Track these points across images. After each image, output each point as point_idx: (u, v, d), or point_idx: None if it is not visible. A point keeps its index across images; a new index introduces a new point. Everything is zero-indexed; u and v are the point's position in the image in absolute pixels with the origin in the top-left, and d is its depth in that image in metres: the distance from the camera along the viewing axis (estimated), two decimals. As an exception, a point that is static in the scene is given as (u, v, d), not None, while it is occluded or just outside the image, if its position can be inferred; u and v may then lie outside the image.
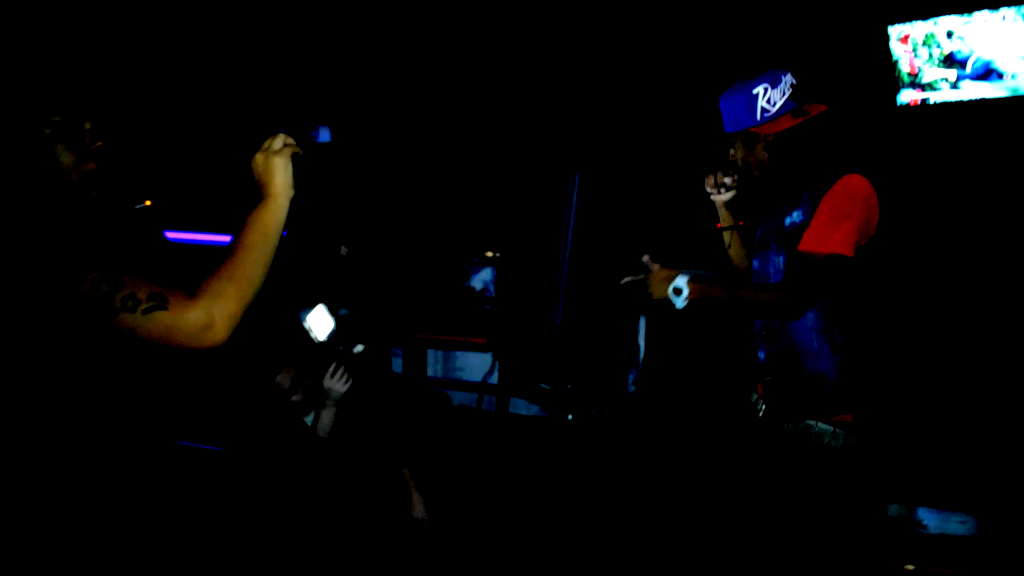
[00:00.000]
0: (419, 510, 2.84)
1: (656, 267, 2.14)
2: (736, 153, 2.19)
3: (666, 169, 4.01)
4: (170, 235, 4.41)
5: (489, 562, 2.94)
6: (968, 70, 3.71)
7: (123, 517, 1.46)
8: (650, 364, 3.85)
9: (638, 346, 3.81)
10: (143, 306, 1.29)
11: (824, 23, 4.22)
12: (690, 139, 4.14)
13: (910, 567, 1.36)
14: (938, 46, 3.76)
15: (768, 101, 2.08)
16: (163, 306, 1.30)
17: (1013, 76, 3.60)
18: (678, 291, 2.06)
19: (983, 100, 3.72)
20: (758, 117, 2.08)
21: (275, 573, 2.50)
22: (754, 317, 2.21)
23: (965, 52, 3.69)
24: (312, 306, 2.63)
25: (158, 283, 1.32)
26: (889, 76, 3.93)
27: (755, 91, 2.08)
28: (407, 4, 4.47)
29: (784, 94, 2.09)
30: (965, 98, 3.76)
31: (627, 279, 2.20)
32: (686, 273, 2.08)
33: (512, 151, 4.58)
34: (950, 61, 3.75)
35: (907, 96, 3.92)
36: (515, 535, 3.00)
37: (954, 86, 3.78)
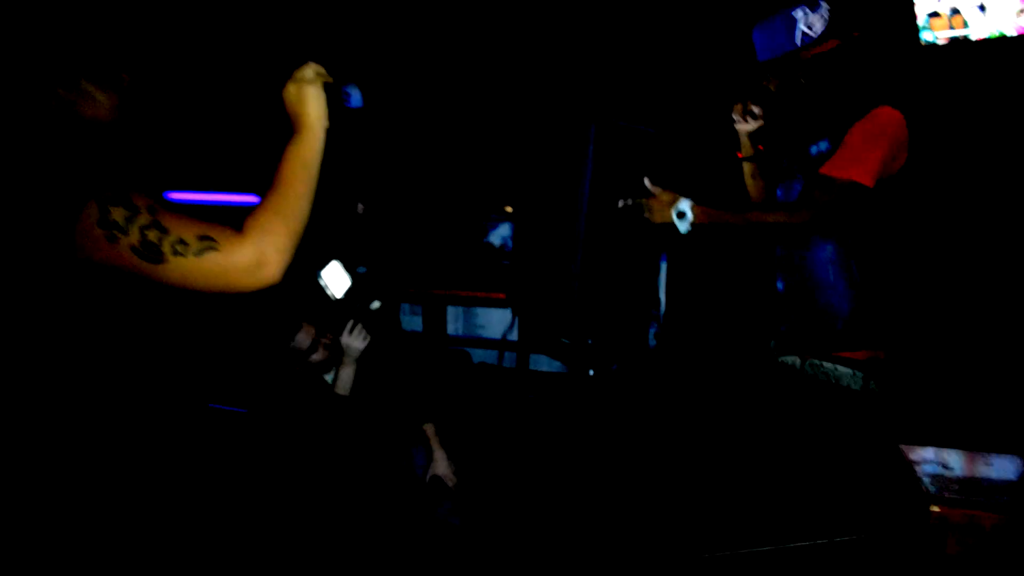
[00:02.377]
0: (442, 467, 2.85)
1: (658, 190, 2.10)
2: (771, 81, 2.14)
3: (683, 113, 3.93)
4: (171, 195, 4.33)
5: (512, 520, 2.94)
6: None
7: (151, 481, 1.46)
8: (671, 317, 3.82)
9: (659, 299, 3.77)
10: (193, 248, 1.21)
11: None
12: (704, 80, 4.05)
13: (936, 509, 1.32)
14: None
15: (808, 26, 2.03)
16: (214, 247, 1.22)
17: None
18: (681, 215, 2.03)
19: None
20: (798, 41, 2.04)
21: (299, 530, 2.53)
22: (764, 240, 2.19)
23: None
24: (326, 263, 2.62)
25: (203, 222, 1.24)
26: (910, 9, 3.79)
27: (795, 15, 2.04)
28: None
29: (824, 19, 2.04)
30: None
31: (624, 202, 2.15)
32: (688, 198, 2.05)
33: (527, 103, 4.51)
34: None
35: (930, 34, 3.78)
36: (538, 492, 3.00)
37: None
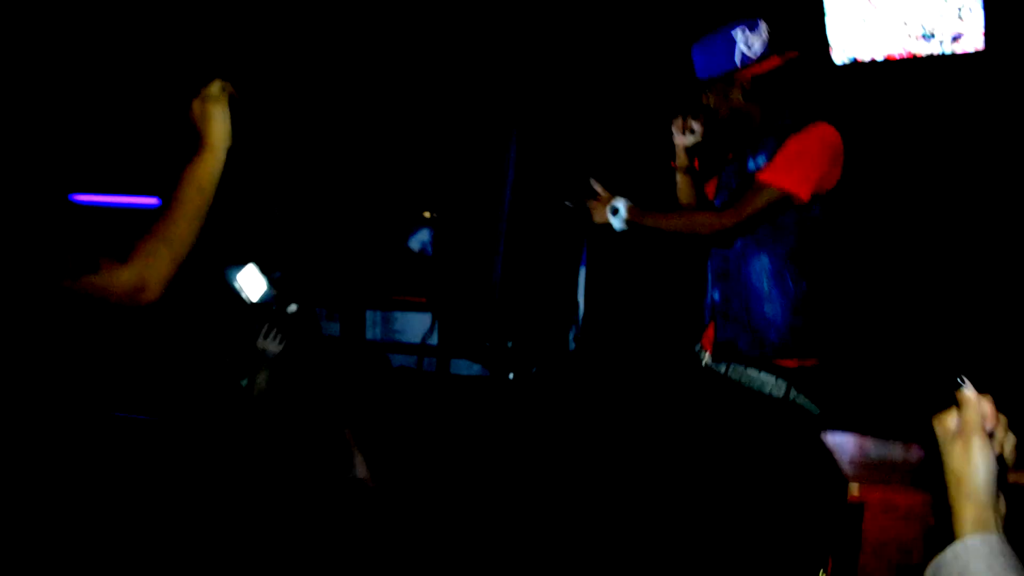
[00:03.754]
0: (362, 470, 2.81)
1: (601, 190, 2.23)
2: (710, 98, 2.19)
3: (607, 120, 3.99)
4: (79, 198, 4.16)
5: (433, 520, 2.93)
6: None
7: (58, 491, 1.41)
8: (590, 320, 3.87)
9: (577, 302, 3.82)
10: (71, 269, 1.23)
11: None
12: (633, 90, 4.13)
13: (854, 489, 1.38)
14: None
15: (748, 46, 2.09)
16: (92, 269, 1.25)
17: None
18: (615, 212, 2.12)
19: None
20: (738, 61, 2.10)
21: (217, 538, 2.45)
22: (690, 241, 2.25)
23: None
24: (242, 265, 2.56)
25: (86, 247, 1.26)
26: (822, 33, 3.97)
27: (734, 35, 2.10)
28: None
29: (762, 39, 2.11)
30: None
31: (571, 202, 2.25)
32: (624, 199, 2.17)
33: (451, 107, 4.50)
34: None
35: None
36: (457, 494, 3.00)
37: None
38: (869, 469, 1.54)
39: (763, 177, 2.01)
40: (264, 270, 2.69)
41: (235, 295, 2.60)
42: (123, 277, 1.27)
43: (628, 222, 2.16)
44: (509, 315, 3.16)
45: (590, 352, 3.79)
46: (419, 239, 4.34)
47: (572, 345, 3.71)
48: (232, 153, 1.46)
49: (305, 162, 4.64)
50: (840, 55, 3.98)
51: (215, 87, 1.45)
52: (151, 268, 1.29)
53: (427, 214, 4.35)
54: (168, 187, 1.39)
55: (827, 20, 3.94)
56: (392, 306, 4.27)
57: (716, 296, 2.23)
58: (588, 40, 4.31)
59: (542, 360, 3.29)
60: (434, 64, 4.58)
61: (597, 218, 2.22)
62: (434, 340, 3.62)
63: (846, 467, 1.51)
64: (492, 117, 4.17)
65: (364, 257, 4.41)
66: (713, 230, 2.07)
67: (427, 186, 4.48)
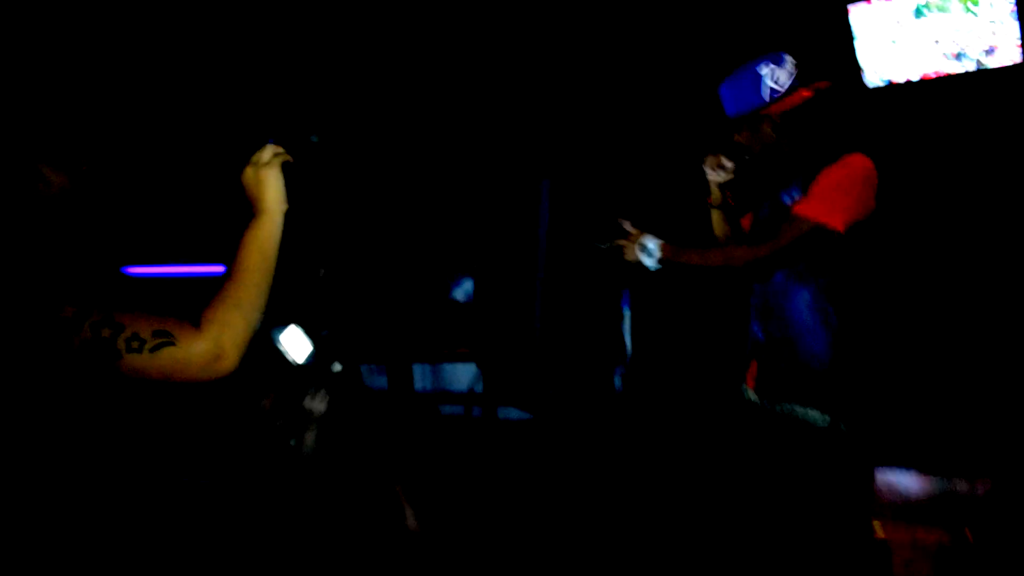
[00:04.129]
0: (412, 522, 2.84)
1: (633, 230, 2.21)
2: (741, 135, 2.20)
3: (640, 161, 4.02)
4: (131, 270, 4.30)
5: (486, 567, 2.94)
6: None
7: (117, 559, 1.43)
8: (638, 360, 3.86)
9: (624, 343, 3.81)
10: (149, 345, 1.22)
11: (782, 7, 4.25)
12: (661, 131, 4.15)
13: (879, 528, 1.36)
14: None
15: (775, 81, 2.10)
16: (171, 342, 1.23)
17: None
18: (645, 249, 2.11)
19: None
20: (766, 97, 2.10)
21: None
22: (731, 275, 2.22)
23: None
24: (285, 325, 2.63)
25: (158, 317, 1.25)
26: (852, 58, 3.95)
27: (760, 71, 2.10)
28: (373, 16, 4.47)
29: (791, 74, 2.11)
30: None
31: (605, 244, 2.24)
32: (656, 238, 2.15)
33: (482, 161, 4.59)
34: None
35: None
36: (508, 539, 3.00)
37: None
38: (900, 507, 1.51)
39: (798, 210, 2.00)
40: (310, 331, 2.76)
41: (280, 356, 2.68)
42: (201, 347, 1.24)
43: (661, 260, 2.14)
44: (551, 361, 3.18)
45: (638, 393, 3.77)
46: (464, 290, 4.41)
47: (619, 385, 3.70)
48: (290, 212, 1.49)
49: (347, 220, 4.75)
50: (873, 78, 3.96)
51: (267, 153, 1.48)
52: (227, 336, 1.27)
53: (470, 265, 4.42)
54: (230, 255, 1.40)
55: (856, 44, 3.93)
56: (440, 358, 4.32)
57: (759, 333, 2.21)
58: (617, 83, 4.36)
59: (587, 403, 3.30)
60: (466, 117, 4.68)
61: (629, 257, 2.20)
62: (481, 388, 3.66)
63: (883, 503, 1.49)
64: (525, 167, 4.24)
65: (409, 311, 4.49)
66: (746, 261, 2.06)
67: (469, 238, 4.55)
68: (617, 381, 3.71)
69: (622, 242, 2.23)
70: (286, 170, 1.49)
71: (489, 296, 3.52)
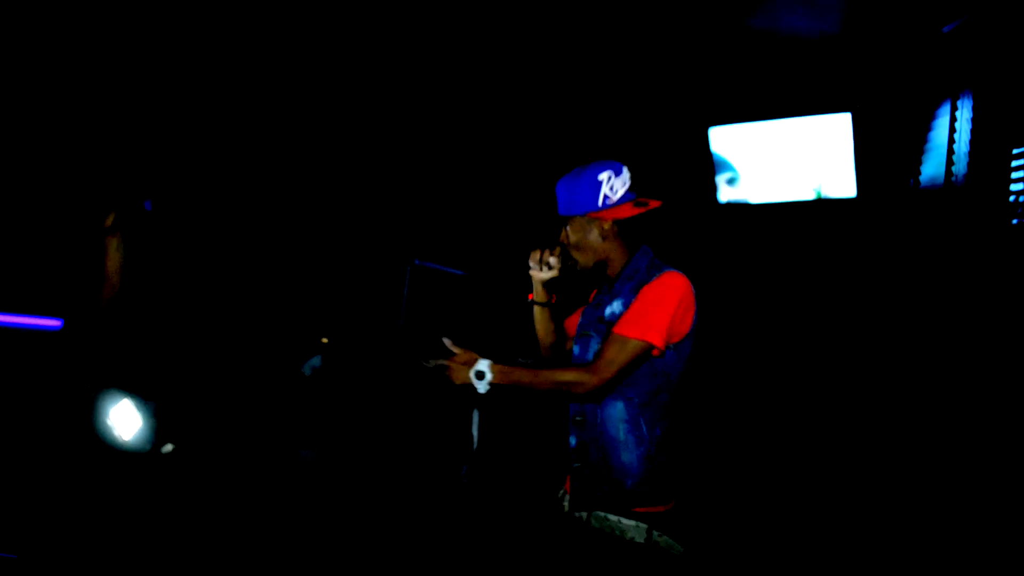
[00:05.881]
0: None
1: (458, 351, 2.07)
2: (568, 236, 2.21)
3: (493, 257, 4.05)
4: None
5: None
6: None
7: None
8: (482, 455, 3.81)
9: (472, 436, 3.77)
10: None
11: (649, 122, 4.46)
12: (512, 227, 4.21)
13: None
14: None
15: (611, 188, 2.13)
16: None
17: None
18: (480, 375, 2.01)
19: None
20: (599, 203, 2.13)
21: None
22: (560, 398, 2.17)
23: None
24: (115, 398, 2.43)
25: None
26: (710, 175, 4.17)
27: (599, 177, 2.13)
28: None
29: (625, 184, 2.15)
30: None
31: (430, 362, 2.10)
32: (487, 359, 2.03)
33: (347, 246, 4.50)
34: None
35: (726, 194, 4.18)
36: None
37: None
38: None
39: (620, 331, 2.02)
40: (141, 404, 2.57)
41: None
42: None
43: (493, 384, 2.02)
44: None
45: (480, 486, 3.72)
46: (311, 365, 4.25)
47: (464, 479, 3.63)
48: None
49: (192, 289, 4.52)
50: (724, 196, 4.20)
51: (110, 219, 1.52)
52: None
53: (324, 340, 4.27)
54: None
55: (715, 168, 4.17)
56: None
57: (573, 442, 2.20)
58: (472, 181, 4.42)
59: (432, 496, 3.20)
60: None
61: (457, 380, 2.05)
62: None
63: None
64: (388, 254, 4.18)
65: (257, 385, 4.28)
66: (586, 390, 2.03)
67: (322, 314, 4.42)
68: (463, 470, 3.65)
69: (448, 362, 2.07)
70: (127, 236, 1.53)
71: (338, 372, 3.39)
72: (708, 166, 4.20)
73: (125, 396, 2.54)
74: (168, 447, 2.75)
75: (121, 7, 3.46)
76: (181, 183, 4.41)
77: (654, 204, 2.15)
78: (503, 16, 3.40)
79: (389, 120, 4.50)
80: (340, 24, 3.59)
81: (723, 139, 4.13)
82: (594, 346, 2.17)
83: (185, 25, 3.65)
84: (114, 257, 1.51)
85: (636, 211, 2.13)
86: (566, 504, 2.21)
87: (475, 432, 3.72)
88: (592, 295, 2.37)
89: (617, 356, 2.01)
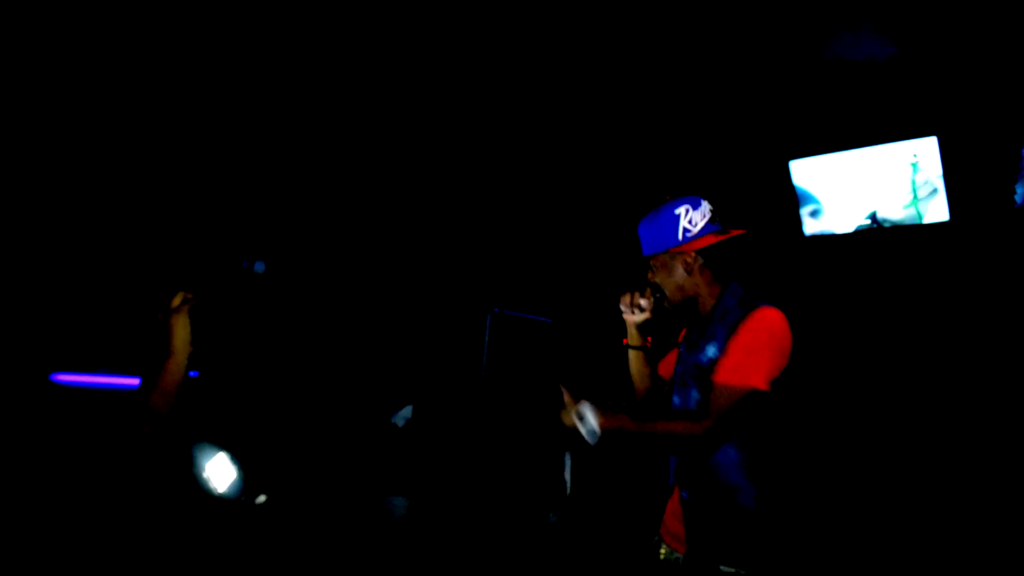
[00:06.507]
0: None
1: (567, 397, 2.08)
2: (655, 275, 2.20)
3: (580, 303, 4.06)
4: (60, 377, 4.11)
5: None
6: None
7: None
8: (575, 498, 3.77)
9: (564, 481, 3.74)
10: None
11: (730, 160, 4.44)
12: (598, 272, 4.22)
13: None
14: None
15: (690, 222, 2.12)
16: None
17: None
18: (581, 418, 2.00)
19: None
20: (680, 237, 2.11)
21: None
22: (668, 449, 2.14)
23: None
24: (211, 452, 2.54)
25: None
26: (794, 209, 4.12)
27: (677, 211, 2.12)
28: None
29: (704, 216, 2.13)
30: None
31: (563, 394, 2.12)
32: (590, 405, 2.02)
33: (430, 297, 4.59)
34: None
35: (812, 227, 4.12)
36: None
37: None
38: None
39: (724, 379, 1.95)
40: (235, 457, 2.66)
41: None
42: None
43: (597, 431, 2.00)
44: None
45: (572, 530, 3.67)
46: (403, 415, 4.30)
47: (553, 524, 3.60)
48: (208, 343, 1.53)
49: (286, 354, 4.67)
50: (809, 229, 4.13)
51: (176, 299, 1.53)
52: None
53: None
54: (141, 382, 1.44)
55: (799, 201, 4.12)
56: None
57: (684, 494, 2.13)
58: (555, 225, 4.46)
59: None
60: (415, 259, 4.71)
61: (567, 423, 2.07)
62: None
63: None
64: (469, 302, 4.24)
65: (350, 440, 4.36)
66: (693, 443, 1.98)
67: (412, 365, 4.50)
68: (552, 518, 3.62)
69: (562, 411, 2.09)
70: (193, 312, 1.56)
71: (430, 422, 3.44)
72: (791, 200, 4.15)
73: (219, 450, 2.64)
74: (262, 498, 2.83)
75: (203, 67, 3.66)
76: (280, 243, 4.59)
77: (736, 232, 2.11)
78: (585, 62, 3.46)
79: (474, 171, 4.61)
80: (428, 79, 3.69)
81: (804, 172, 4.08)
82: (694, 395, 2.11)
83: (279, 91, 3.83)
84: (180, 335, 1.54)
85: (718, 239, 2.10)
86: (662, 552, 2.15)
87: (567, 477, 3.69)
88: (682, 334, 2.33)
89: (725, 404, 1.95)
